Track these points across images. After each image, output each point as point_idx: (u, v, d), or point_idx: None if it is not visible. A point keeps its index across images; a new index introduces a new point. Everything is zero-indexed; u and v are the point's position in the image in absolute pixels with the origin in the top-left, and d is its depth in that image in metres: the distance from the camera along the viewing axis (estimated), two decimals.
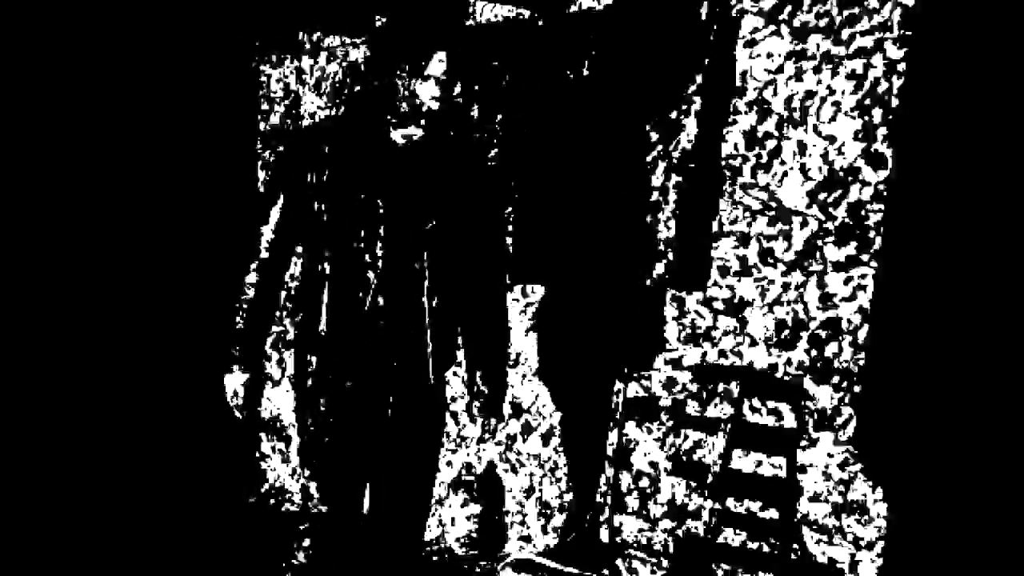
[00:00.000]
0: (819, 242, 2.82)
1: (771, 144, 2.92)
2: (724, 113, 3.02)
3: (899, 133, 2.65)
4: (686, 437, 3.12)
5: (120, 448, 4.13)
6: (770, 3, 2.92)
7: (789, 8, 2.88)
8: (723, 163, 3.02)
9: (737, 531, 3.00)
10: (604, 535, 3.23)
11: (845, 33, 2.76)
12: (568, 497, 3.41)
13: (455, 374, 3.68)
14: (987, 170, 2.51)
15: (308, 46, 4.16)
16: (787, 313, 2.89)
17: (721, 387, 3.03)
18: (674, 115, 3.13)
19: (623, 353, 3.26)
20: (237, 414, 2.37)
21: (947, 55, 2.58)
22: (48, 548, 3.51)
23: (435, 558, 3.64)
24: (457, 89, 3.61)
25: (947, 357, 2.56)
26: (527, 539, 3.52)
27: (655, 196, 3.18)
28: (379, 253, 2.20)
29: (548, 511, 3.47)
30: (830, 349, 2.80)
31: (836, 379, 2.79)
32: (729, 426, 2.87)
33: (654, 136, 3.18)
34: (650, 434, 3.20)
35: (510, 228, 3.51)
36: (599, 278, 3.32)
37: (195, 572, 3.40)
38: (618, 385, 3.18)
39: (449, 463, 3.75)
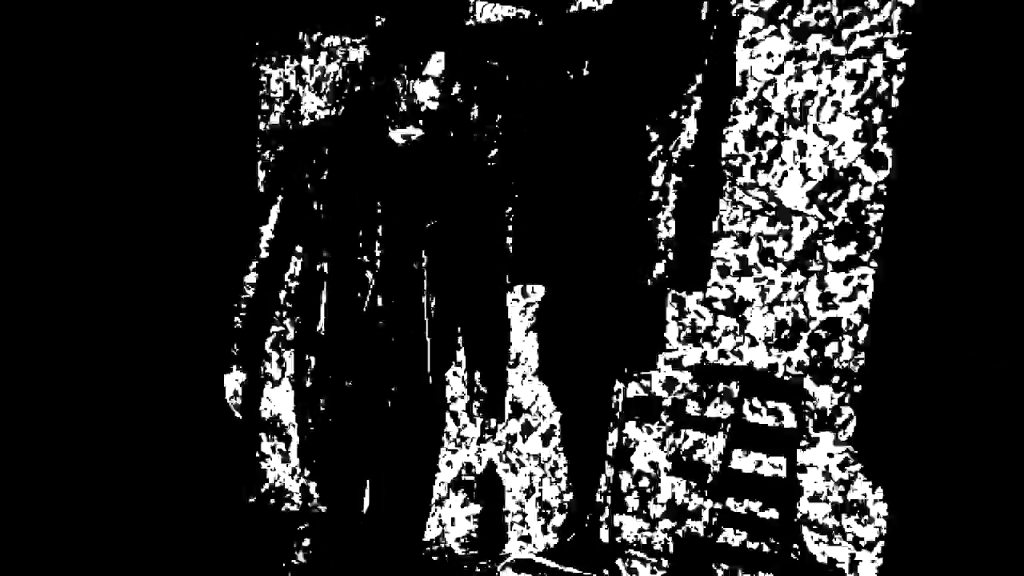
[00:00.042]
0: (819, 242, 2.82)
1: (771, 144, 2.92)
2: (724, 113, 3.02)
3: (899, 133, 2.65)
4: (686, 437, 3.12)
5: (121, 448, 4.13)
6: (770, 3, 2.92)
7: (789, 8, 2.88)
8: (723, 163, 3.02)
9: (737, 531, 3.00)
10: (604, 535, 3.23)
11: (845, 33, 2.76)
12: (568, 497, 3.41)
13: (455, 374, 3.68)
14: (987, 170, 2.51)
15: (308, 46, 4.16)
16: (787, 313, 2.89)
17: (721, 387, 3.03)
18: (674, 115, 3.13)
19: (623, 353, 3.26)
20: (237, 414, 2.37)
21: (947, 55, 2.58)
22: (49, 548, 3.51)
23: (435, 558, 3.64)
24: (456, 89, 3.61)
25: (947, 357, 2.56)
26: (527, 539, 3.52)
27: (655, 196, 3.17)
28: (378, 253, 2.20)
29: (548, 511, 3.47)
30: (830, 349, 2.80)
31: (836, 379, 2.79)
32: (729, 426, 2.87)
33: (654, 136, 3.18)
34: (650, 434, 3.20)
35: (510, 228, 3.51)
36: (599, 278, 3.32)
37: (195, 572, 3.40)
38: (618, 385, 3.18)
39: (449, 463, 3.74)
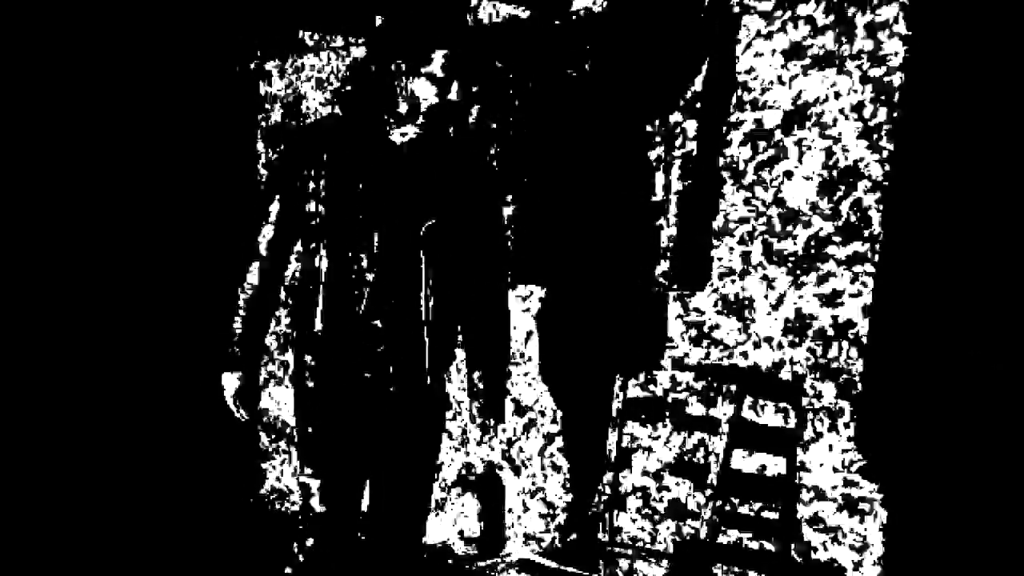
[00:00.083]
0: (822, 241, 2.82)
1: (773, 143, 2.92)
2: (725, 112, 3.01)
3: (902, 132, 2.65)
4: (687, 437, 3.12)
5: (121, 449, 4.13)
6: (771, 2, 2.92)
7: (790, 7, 2.87)
8: (725, 162, 3.02)
9: (737, 531, 3.00)
10: (604, 535, 3.23)
11: (847, 31, 2.76)
12: (569, 497, 3.41)
13: (455, 374, 3.68)
14: (988, 170, 2.51)
15: (310, 45, 4.15)
16: (789, 313, 2.89)
17: (722, 387, 3.03)
18: (675, 114, 3.12)
19: (624, 353, 3.26)
20: (236, 414, 2.37)
21: (950, 53, 2.57)
22: (50, 548, 3.51)
23: (435, 558, 3.64)
24: (456, 88, 3.60)
25: (947, 357, 2.55)
26: (528, 538, 3.52)
27: (657, 195, 3.17)
28: (377, 253, 2.19)
29: (549, 511, 3.46)
30: (832, 349, 2.80)
31: (837, 379, 2.79)
32: (730, 426, 2.87)
33: (655, 135, 3.17)
34: (651, 434, 3.20)
35: (511, 228, 3.51)
36: (601, 278, 3.32)
37: (196, 572, 3.40)
38: (619, 384, 3.18)
39: (449, 463, 3.74)
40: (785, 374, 2.89)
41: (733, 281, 3.01)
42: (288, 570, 3.47)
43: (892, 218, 2.67)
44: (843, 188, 2.77)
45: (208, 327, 4.29)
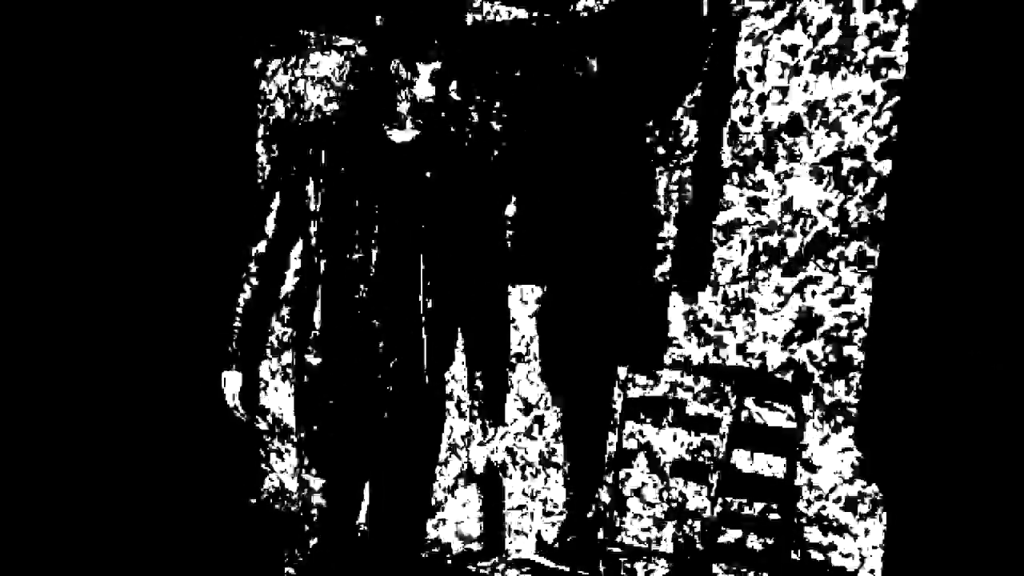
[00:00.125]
0: (824, 241, 2.82)
1: (776, 141, 2.92)
2: (727, 111, 3.01)
3: (906, 131, 2.65)
4: (688, 437, 3.12)
5: (122, 449, 4.13)
6: (772, 1, 2.92)
7: (791, 6, 2.87)
8: (727, 161, 3.02)
9: (737, 531, 2.99)
10: (605, 535, 3.23)
11: (849, 29, 2.76)
12: (569, 497, 3.41)
13: (455, 374, 3.68)
14: (988, 170, 2.51)
15: (311, 44, 4.16)
16: (790, 312, 2.89)
17: (723, 386, 3.03)
18: (677, 113, 3.12)
19: (625, 352, 3.26)
20: (236, 414, 2.37)
21: (953, 52, 2.57)
22: (50, 548, 3.51)
23: (435, 558, 3.64)
24: (456, 88, 3.61)
25: (947, 357, 2.55)
26: (528, 539, 3.52)
27: (659, 194, 3.17)
28: (377, 252, 2.19)
29: (549, 511, 3.46)
30: (833, 348, 2.80)
31: (838, 378, 2.79)
32: (730, 426, 2.87)
33: (656, 135, 3.17)
34: (652, 434, 3.20)
35: (511, 228, 3.51)
36: (602, 277, 3.32)
37: (196, 572, 3.41)
38: (620, 384, 3.18)
39: (449, 463, 3.75)
40: (785, 374, 2.89)
41: (734, 280, 3.01)
42: (289, 570, 3.47)
43: (893, 218, 2.67)
44: (846, 188, 2.77)
45: (208, 326, 4.29)
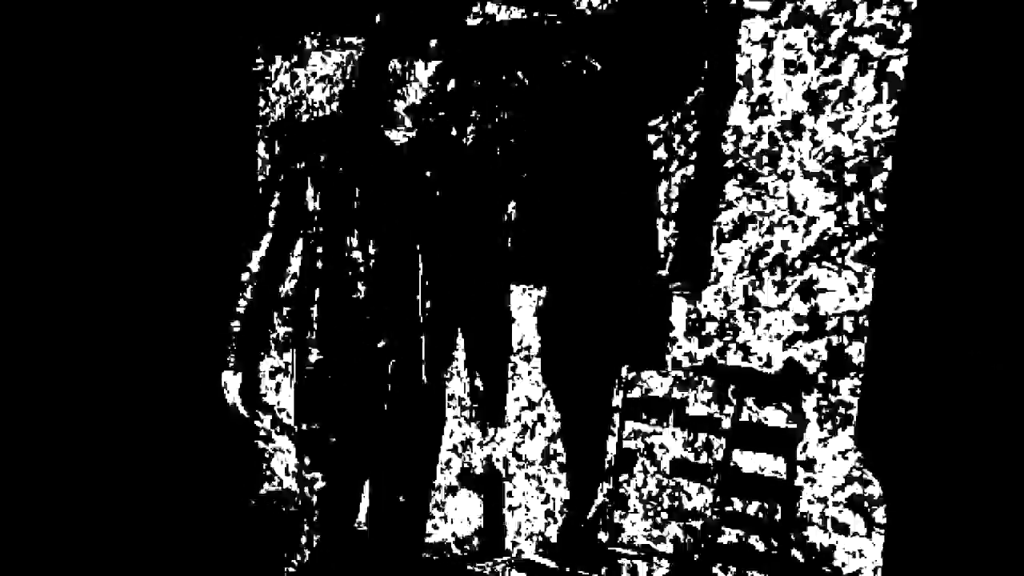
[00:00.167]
0: (825, 240, 2.82)
1: (777, 141, 2.91)
2: (728, 111, 3.01)
3: (908, 130, 2.65)
4: (687, 437, 3.12)
5: (121, 449, 4.14)
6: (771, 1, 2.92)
7: (791, 5, 2.87)
8: (729, 160, 3.02)
9: (738, 531, 2.99)
10: (605, 535, 3.23)
11: (850, 28, 2.76)
12: (569, 497, 3.41)
13: (455, 375, 3.68)
14: (989, 170, 2.51)
15: (310, 44, 4.16)
16: (791, 312, 2.89)
17: (723, 386, 3.03)
18: (678, 112, 3.12)
19: (626, 352, 3.26)
20: (236, 414, 2.37)
21: (956, 50, 2.57)
22: (50, 548, 3.51)
23: (435, 558, 3.64)
24: (456, 88, 3.61)
25: (947, 357, 2.55)
26: (528, 539, 3.52)
27: (661, 194, 3.17)
28: (376, 252, 2.20)
29: (549, 511, 3.46)
30: (834, 348, 2.80)
31: (838, 378, 2.79)
32: (731, 426, 2.87)
33: (658, 133, 3.17)
34: (652, 434, 3.20)
35: (512, 228, 3.51)
36: (603, 277, 3.32)
37: (196, 572, 3.41)
38: (621, 384, 3.18)
39: (449, 463, 3.74)
40: (786, 374, 2.89)
41: (736, 280, 3.01)
42: (289, 570, 3.47)
43: (895, 218, 2.67)
44: (847, 187, 2.77)
45: (208, 326, 4.30)
